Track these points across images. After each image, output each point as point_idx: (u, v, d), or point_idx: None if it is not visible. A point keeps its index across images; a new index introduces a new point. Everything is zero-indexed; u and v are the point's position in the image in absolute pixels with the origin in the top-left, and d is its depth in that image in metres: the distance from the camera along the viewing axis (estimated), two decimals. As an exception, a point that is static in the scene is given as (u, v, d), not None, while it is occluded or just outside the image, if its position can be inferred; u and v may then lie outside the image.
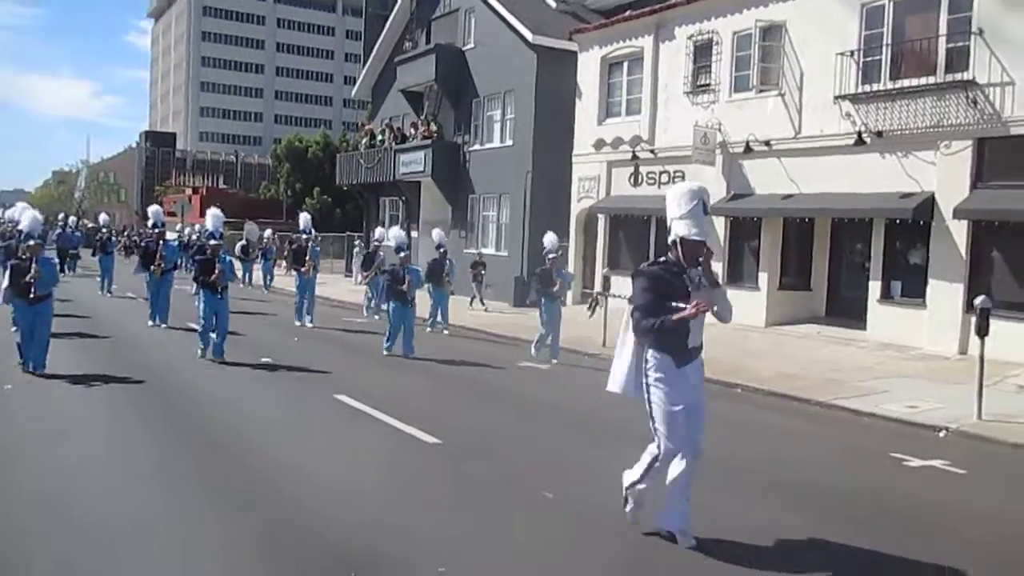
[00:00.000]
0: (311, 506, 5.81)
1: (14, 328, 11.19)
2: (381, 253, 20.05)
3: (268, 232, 32.14)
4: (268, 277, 28.66)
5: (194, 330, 13.25)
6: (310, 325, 17.51)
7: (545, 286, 13.79)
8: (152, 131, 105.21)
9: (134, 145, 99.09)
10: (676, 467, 5.07)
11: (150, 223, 18.54)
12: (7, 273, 11.14)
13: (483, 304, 22.12)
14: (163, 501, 5.82)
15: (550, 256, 14.07)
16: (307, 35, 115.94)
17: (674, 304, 4.91)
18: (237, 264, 21.63)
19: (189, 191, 69.04)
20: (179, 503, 5.80)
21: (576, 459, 7.56)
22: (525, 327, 16.67)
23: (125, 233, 53.39)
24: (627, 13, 22.11)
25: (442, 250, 17.69)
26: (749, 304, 17.89)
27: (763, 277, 17.87)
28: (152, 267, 16.39)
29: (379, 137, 31.59)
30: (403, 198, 30.74)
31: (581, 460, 7.50)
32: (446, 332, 17.22)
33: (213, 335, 12.42)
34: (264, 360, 12.45)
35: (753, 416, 10.25)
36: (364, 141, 33.24)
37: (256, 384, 10.93)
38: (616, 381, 5.26)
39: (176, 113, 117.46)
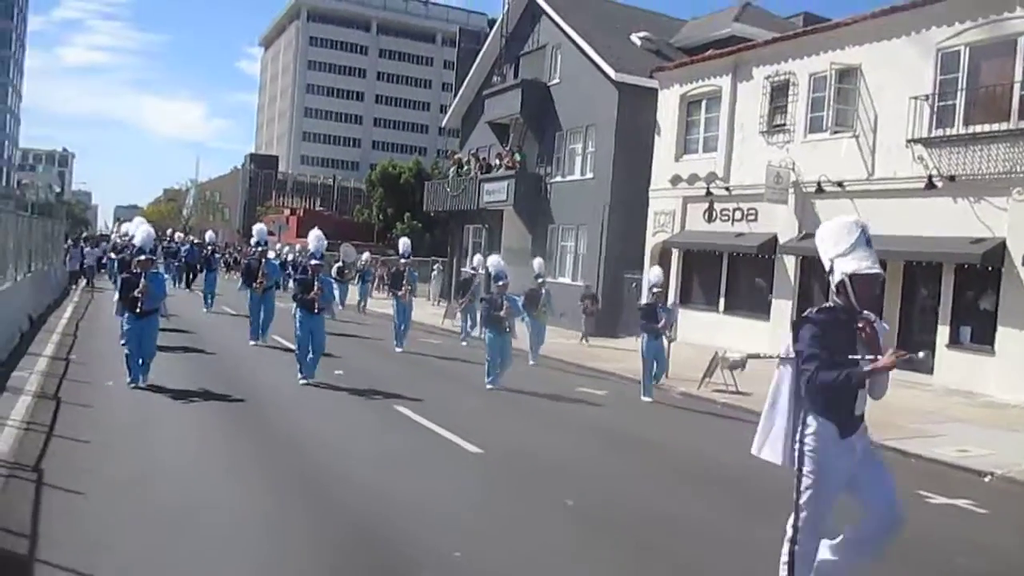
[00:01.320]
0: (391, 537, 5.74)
1: (123, 341, 11.19)
2: (478, 280, 19.88)
3: (366, 255, 32.65)
4: (364, 299, 28.84)
5: (293, 350, 13.04)
6: (399, 350, 17.36)
7: (649, 321, 13.32)
8: (256, 154, 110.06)
9: (239, 166, 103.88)
10: (840, 546, 4.52)
11: (253, 241, 18.83)
12: (118, 287, 11.40)
13: (587, 341, 21.22)
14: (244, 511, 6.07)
15: (654, 291, 13.68)
16: (406, 65, 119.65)
17: (856, 357, 4.28)
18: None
19: (287, 212, 71.96)
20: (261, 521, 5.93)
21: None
22: (620, 361, 16.59)
23: (227, 250, 56.17)
24: (708, 53, 22.53)
25: (540, 280, 17.49)
26: (817, 343, 17.97)
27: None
28: (254, 284, 16.44)
29: (465, 167, 32.67)
30: (486, 226, 31.65)
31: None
32: (534, 363, 16.66)
33: (310, 356, 12.26)
34: (359, 386, 12.13)
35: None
36: (452, 170, 34.39)
37: (348, 410, 10.64)
38: (766, 446, 4.63)
39: (280, 137, 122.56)
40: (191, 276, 31.50)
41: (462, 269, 33.72)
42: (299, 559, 5.22)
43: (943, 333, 15.73)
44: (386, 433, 9.41)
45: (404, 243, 19.61)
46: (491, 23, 38.99)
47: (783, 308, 18.88)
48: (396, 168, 61.17)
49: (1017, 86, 14.53)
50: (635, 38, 27.35)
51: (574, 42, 26.46)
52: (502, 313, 13.11)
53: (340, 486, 7.02)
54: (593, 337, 22.04)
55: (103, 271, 31.90)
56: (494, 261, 14.69)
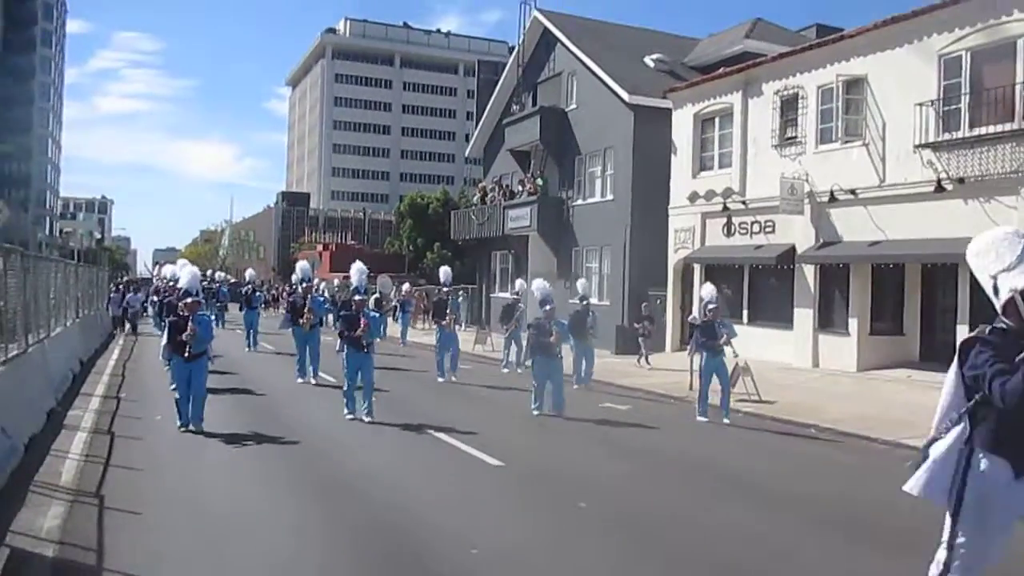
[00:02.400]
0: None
1: (173, 386, 10.98)
2: (522, 305, 19.21)
3: (406, 286, 32.23)
4: (405, 330, 28.14)
5: (341, 387, 12.52)
6: (441, 380, 17.04)
7: (708, 339, 12.89)
8: (288, 191, 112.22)
9: (272, 205, 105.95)
10: None
11: (296, 277, 18.56)
12: (166, 330, 11.15)
13: (648, 362, 20.27)
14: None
15: (710, 307, 13.18)
16: (430, 96, 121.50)
17: None
18: None
19: (320, 247, 73.27)
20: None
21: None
22: (679, 384, 16.16)
23: (264, 288, 57.30)
24: (720, 71, 23.05)
25: (585, 302, 17.10)
26: (840, 349, 18.31)
27: (853, 323, 18.17)
28: (300, 321, 16.10)
29: (490, 194, 33.39)
30: (512, 252, 32.27)
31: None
32: (578, 387, 16.05)
33: (359, 393, 11.91)
34: (410, 421, 11.76)
35: (808, 450, 10.92)
36: (476, 198, 35.12)
37: (404, 448, 10.27)
38: (926, 483, 4.15)
39: (310, 174, 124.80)
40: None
41: (491, 295, 34.39)
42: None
43: (962, 332, 15.90)
44: (441, 469, 9.13)
45: (445, 272, 19.22)
46: (511, 51, 39.87)
47: (805, 317, 19.19)
48: (424, 199, 62.19)
49: (1019, 87, 14.87)
50: (648, 60, 27.95)
51: (588, 68, 27.15)
52: (551, 339, 12.77)
53: (400, 524, 6.84)
54: (622, 355, 22.43)
55: (147, 315, 32.40)
56: (539, 285, 14.05)
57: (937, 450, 4.09)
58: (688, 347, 17.88)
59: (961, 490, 3.99)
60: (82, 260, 51.18)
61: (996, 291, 4.03)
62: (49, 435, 9.68)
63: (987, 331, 4.04)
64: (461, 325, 20.94)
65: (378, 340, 19.13)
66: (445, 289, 18.54)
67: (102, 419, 11.19)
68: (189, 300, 10.74)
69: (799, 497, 8.24)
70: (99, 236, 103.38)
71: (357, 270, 13.43)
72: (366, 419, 11.54)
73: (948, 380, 4.04)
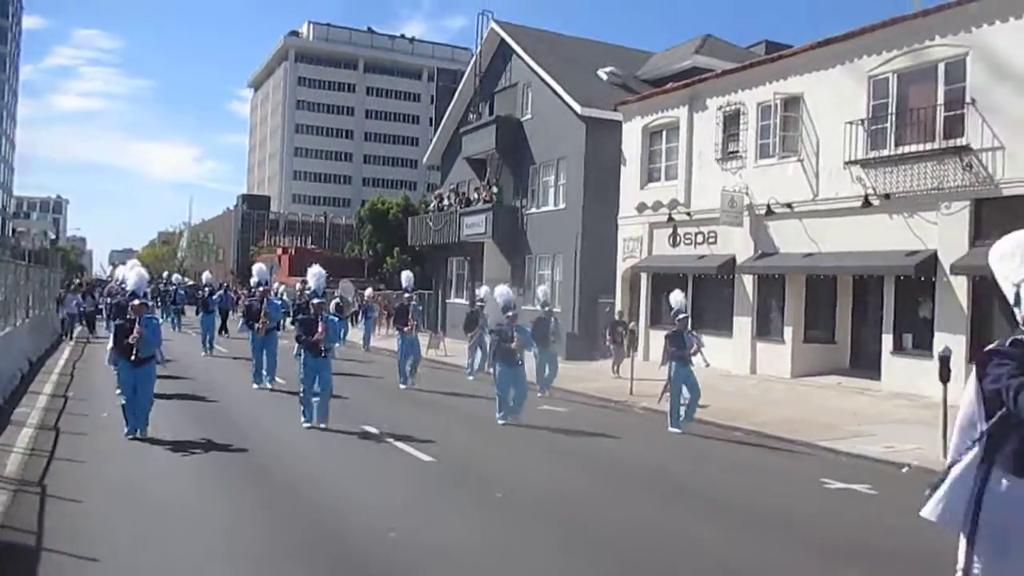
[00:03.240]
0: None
1: (118, 391, 10.63)
2: (485, 313, 18.41)
3: (369, 291, 32.27)
4: (368, 336, 28.13)
5: (298, 393, 12.25)
6: (403, 387, 16.96)
7: (678, 348, 12.74)
8: (249, 194, 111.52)
9: (231, 207, 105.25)
10: None
11: (254, 281, 18.23)
12: (112, 333, 10.93)
13: (617, 372, 19.73)
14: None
15: (680, 317, 13.04)
16: (394, 101, 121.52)
17: None
18: None
19: (279, 251, 73.05)
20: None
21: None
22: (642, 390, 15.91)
23: (223, 291, 56.93)
24: (667, 86, 23.80)
25: (547, 308, 16.94)
26: (775, 356, 19.06)
27: (788, 331, 18.94)
28: (256, 325, 15.85)
29: (446, 201, 33.87)
30: (468, 258, 32.76)
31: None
32: (542, 394, 16.16)
33: (315, 399, 11.66)
34: (367, 428, 11.60)
35: (732, 453, 11.52)
36: (433, 205, 35.57)
37: (360, 456, 10.14)
38: (943, 508, 3.70)
39: (271, 177, 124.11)
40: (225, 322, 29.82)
41: (447, 301, 34.83)
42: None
43: (887, 341, 16.77)
44: (396, 478, 8.97)
45: (407, 277, 19.17)
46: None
47: (744, 325, 19.93)
48: (384, 204, 62.42)
49: (940, 108, 15.73)
50: (602, 73, 28.64)
51: (543, 79, 27.78)
52: (513, 345, 12.68)
53: (348, 532, 6.81)
54: (574, 360, 22.95)
55: (99, 317, 31.83)
56: (502, 291, 13.87)
57: (954, 472, 3.66)
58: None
59: (976, 513, 3.61)
60: (35, 261, 50.56)
61: (1019, 300, 3.61)
62: (-5, 431, 9.95)
63: (1007, 343, 3.64)
64: (422, 331, 20.69)
65: (338, 345, 18.88)
66: (407, 295, 18.48)
67: (48, 416, 11.47)
68: (136, 302, 10.46)
69: (703, 494, 8.83)
70: (53, 236, 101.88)
71: (315, 274, 13.20)
72: (320, 425, 11.42)
73: (966, 396, 3.66)
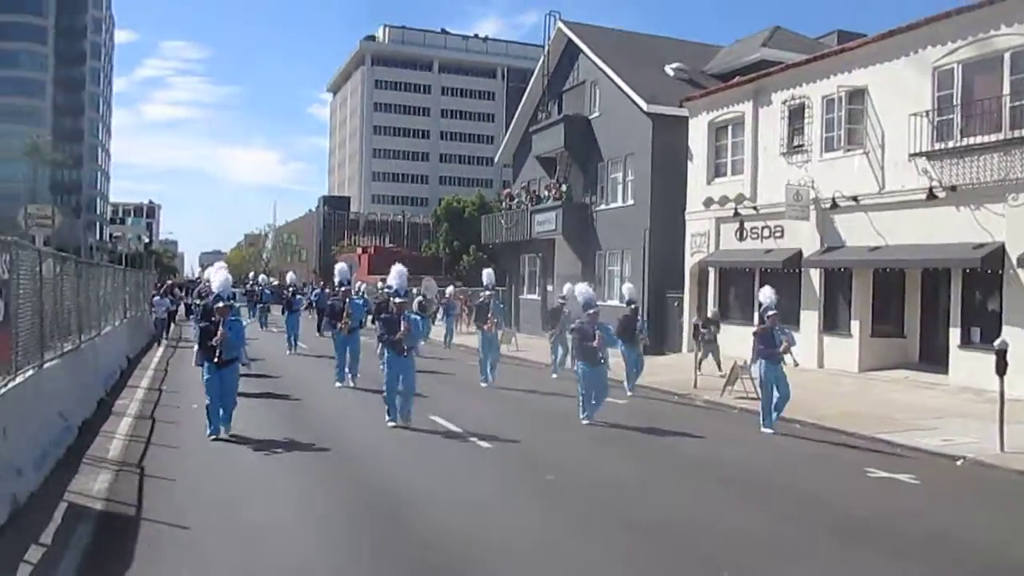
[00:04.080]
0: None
1: (206, 392, 10.60)
2: (567, 310, 18.56)
3: (450, 289, 32.71)
4: (449, 334, 28.12)
5: (381, 391, 12.20)
6: (484, 385, 16.76)
7: (767, 347, 12.25)
8: (329, 196, 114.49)
9: (313, 209, 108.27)
10: None
11: (336, 280, 18.16)
12: (197, 335, 11.12)
13: (720, 369, 18.22)
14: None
15: (769, 314, 12.51)
16: (469, 100, 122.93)
17: None
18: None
19: (359, 250, 74.91)
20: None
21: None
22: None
23: (306, 290, 58.84)
24: (732, 81, 23.86)
25: (633, 306, 16.58)
26: (842, 350, 19.05)
27: (855, 325, 18.89)
28: (339, 325, 15.90)
29: (516, 199, 34.51)
30: (539, 255, 33.32)
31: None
32: (631, 393, 15.89)
33: (398, 399, 11.59)
34: (450, 427, 11.59)
35: (787, 443, 11.73)
36: (504, 203, 36.26)
37: (444, 455, 10.02)
38: None
39: (351, 178, 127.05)
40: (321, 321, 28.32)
41: (520, 297, 35.47)
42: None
43: (955, 335, 16.63)
44: (480, 478, 8.88)
45: (488, 274, 18.78)
46: (540, 60, 40.97)
47: (810, 319, 19.94)
48: (460, 203, 63.52)
49: (1006, 99, 15.52)
50: (668, 69, 28.79)
51: (609, 77, 28.11)
52: (595, 343, 12.37)
53: (431, 535, 6.71)
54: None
55: (190, 317, 32.70)
56: (583, 289, 13.63)
57: None
58: (696, 347, 18.60)
59: None
60: (130, 264, 53.15)
61: None
62: (99, 419, 11.04)
63: None
64: (503, 329, 20.03)
65: (422, 344, 18.62)
66: (487, 292, 18.22)
67: (145, 407, 12.53)
68: (220, 305, 10.58)
69: (749, 480, 9.19)
70: (147, 240, 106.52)
71: (397, 272, 13.00)
72: (403, 424, 11.38)
73: None
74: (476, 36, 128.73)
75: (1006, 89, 15.52)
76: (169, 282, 46.73)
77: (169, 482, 7.85)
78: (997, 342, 11.06)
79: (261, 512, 7.19)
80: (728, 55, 30.15)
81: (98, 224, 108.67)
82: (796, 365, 13.16)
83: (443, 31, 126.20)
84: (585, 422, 12.44)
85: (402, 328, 11.42)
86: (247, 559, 6.02)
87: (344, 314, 15.89)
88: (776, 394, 12.32)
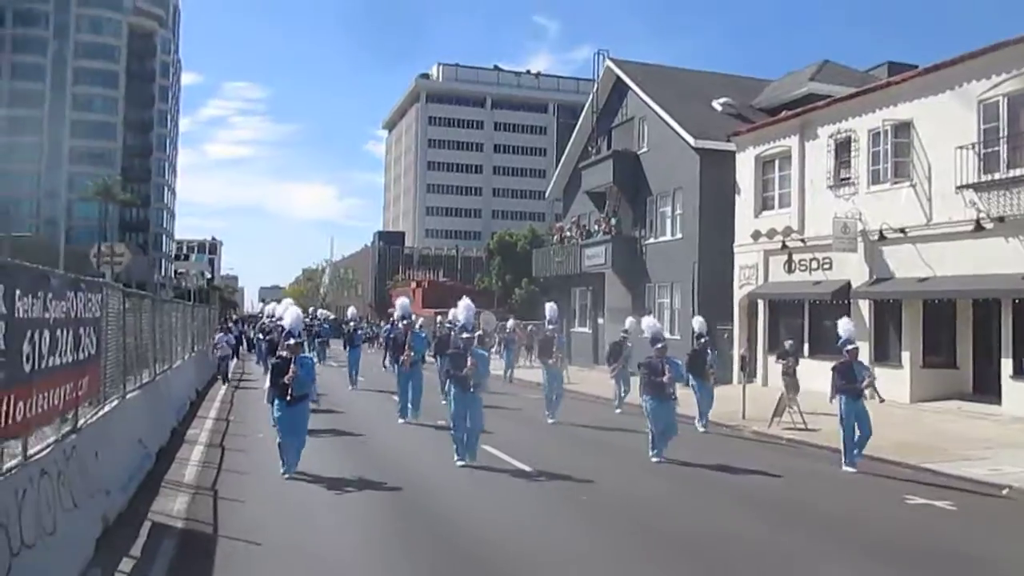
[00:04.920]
0: None
1: (275, 426, 10.58)
2: (629, 343, 18.58)
3: (511, 322, 32.71)
4: (510, 368, 27.62)
5: (446, 428, 12.08)
6: (551, 421, 16.33)
7: (847, 381, 11.92)
8: (384, 231, 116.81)
9: (369, 244, 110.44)
10: None
11: (397, 315, 18.05)
12: (269, 373, 11.09)
13: (792, 407, 16.55)
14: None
15: (849, 347, 12.24)
16: (521, 135, 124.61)
17: None
18: None
19: (413, 284, 76.17)
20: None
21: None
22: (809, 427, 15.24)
23: (364, 325, 59.92)
24: (779, 116, 24.18)
25: (704, 339, 16.27)
26: (893, 381, 18.96)
27: (906, 356, 18.91)
28: (402, 359, 15.68)
29: (567, 233, 35.10)
30: (590, 288, 33.78)
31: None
32: (704, 429, 15.53)
33: (465, 437, 11.29)
34: (519, 465, 11.26)
35: (826, 469, 11.91)
36: (555, 237, 36.88)
37: (514, 498, 9.65)
38: None
39: (406, 212, 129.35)
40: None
41: (571, 330, 35.83)
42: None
43: (1007, 365, 16.59)
44: (557, 519, 8.58)
45: (551, 309, 18.39)
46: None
47: (862, 350, 19.92)
48: (512, 236, 64.47)
49: (1052, 131, 15.64)
50: (716, 104, 29.24)
51: (657, 114, 28.67)
52: (664, 379, 12.04)
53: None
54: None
55: (252, 352, 32.74)
56: (650, 323, 13.45)
57: None
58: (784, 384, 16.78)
59: None
60: (195, 299, 54.82)
61: None
62: (173, 447, 11.80)
63: None
64: (566, 364, 19.50)
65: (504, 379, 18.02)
66: (551, 326, 17.76)
67: (215, 436, 13.29)
68: (292, 342, 10.57)
69: (793, 506, 9.48)
70: (209, 276, 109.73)
71: (464, 306, 12.78)
72: (469, 462, 11.09)
73: None
74: (528, 72, 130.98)
75: (1051, 121, 15.63)
76: (232, 318, 47.85)
77: (240, 503, 8.49)
78: (1041, 373, 11.17)
79: (330, 532, 7.73)
80: (776, 89, 30.47)
81: (163, 261, 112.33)
82: (881, 401, 12.86)
83: (496, 68, 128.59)
84: (655, 460, 11.99)
85: (468, 364, 11.10)
86: (315, 573, 6.57)
87: (407, 348, 15.66)
88: (857, 432, 11.84)
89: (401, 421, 15.51)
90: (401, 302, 18.23)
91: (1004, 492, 10.51)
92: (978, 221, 16.76)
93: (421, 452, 12.68)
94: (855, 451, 11.94)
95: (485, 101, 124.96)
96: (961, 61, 17.61)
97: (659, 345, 12.43)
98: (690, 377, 15.33)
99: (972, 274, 17.05)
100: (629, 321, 19.90)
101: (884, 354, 19.65)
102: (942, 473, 11.59)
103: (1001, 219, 16.46)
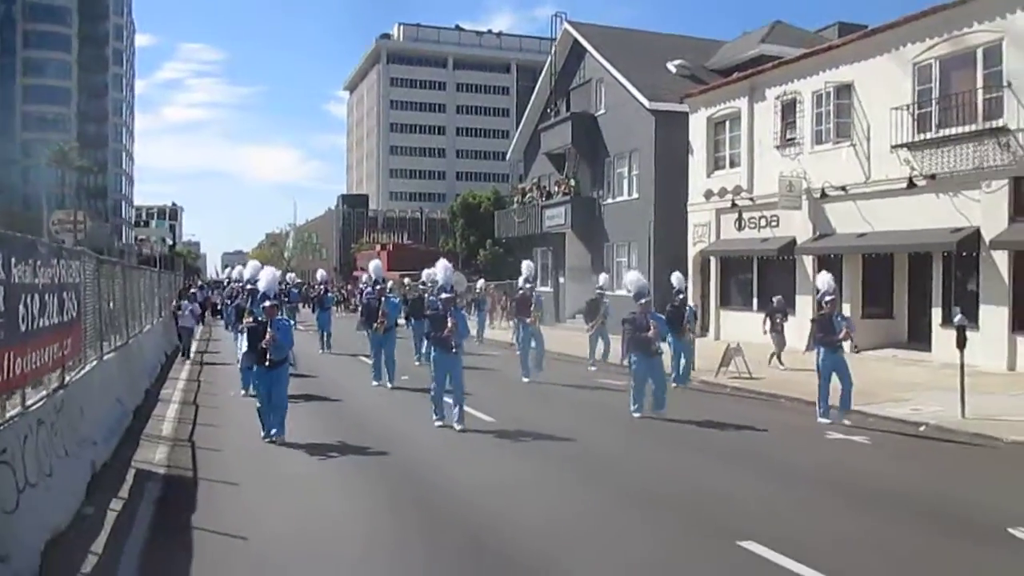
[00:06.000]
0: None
1: (254, 394, 10.62)
2: (606, 301, 18.66)
3: (481, 282, 32.63)
4: (482, 329, 27.33)
5: (422, 390, 12.11)
6: (526, 380, 16.21)
7: (826, 334, 11.91)
8: (348, 194, 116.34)
9: (333, 207, 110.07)
10: None
11: (369, 278, 17.74)
12: (244, 337, 10.88)
13: (781, 363, 17.64)
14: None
15: (827, 299, 12.19)
16: (484, 96, 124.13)
17: None
18: None
19: (378, 247, 76.36)
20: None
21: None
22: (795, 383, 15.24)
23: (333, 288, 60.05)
24: (730, 78, 24.92)
25: (681, 296, 16.32)
26: (835, 332, 20.06)
27: (846, 308, 19.86)
28: (375, 324, 15.41)
29: (528, 195, 35.75)
30: (551, 248, 34.55)
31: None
32: (678, 386, 15.21)
33: (448, 400, 11.05)
34: (500, 426, 11.02)
35: (761, 414, 12.82)
36: (516, 199, 37.51)
37: (501, 459, 9.42)
38: None
39: (369, 175, 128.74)
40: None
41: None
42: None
43: (936, 314, 17.68)
44: (543, 479, 8.49)
45: (528, 266, 18.26)
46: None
47: (805, 303, 20.94)
48: (475, 198, 64.88)
49: (979, 91, 16.54)
50: (671, 66, 29.89)
51: (613, 76, 29.25)
52: (650, 334, 11.87)
53: (505, 550, 6.23)
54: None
55: (218, 317, 31.70)
56: (634, 278, 13.19)
57: None
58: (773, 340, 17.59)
59: None
60: (160, 265, 54.70)
61: None
62: (149, 405, 12.43)
63: None
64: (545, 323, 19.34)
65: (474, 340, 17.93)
66: (528, 285, 17.63)
67: (188, 395, 13.92)
68: (267, 304, 10.34)
69: (727, 448, 10.40)
70: (171, 242, 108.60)
71: (443, 267, 12.61)
72: (457, 427, 10.73)
73: None
74: (490, 31, 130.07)
75: (979, 83, 16.54)
76: (198, 283, 47.61)
77: (217, 452, 9.20)
78: (956, 319, 12.18)
79: (310, 478, 8.39)
80: (729, 50, 31.18)
81: (123, 227, 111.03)
82: (857, 351, 13.30)
83: (457, 27, 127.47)
84: (636, 415, 12.02)
85: (449, 325, 10.90)
86: (290, 507, 7.27)
87: (380, 313, 15.43)
88: (838, 383, 11.88)
89: (375, 384, 15.37)
90: (374, 265, 17.91)
91: (921, 429, 11.52)
92: (911, 179, 17.72)
93: (399, 414, 12.57)
94: (841, 403, 11.92)
95: (447, 61, 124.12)
96: (898, 25, 18.44)
97: (643, 300, 12.22)
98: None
99: (906, 229, 18.04)
100: (603, 278, 20.04)
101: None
102: (868, 414, 12.52)
103: (932, 176, 17.42)
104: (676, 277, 16.95)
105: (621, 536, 6.52)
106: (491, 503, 7.51)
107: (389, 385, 15.18)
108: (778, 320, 18.39)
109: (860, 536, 6.51)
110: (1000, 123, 15.98)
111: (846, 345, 12.36)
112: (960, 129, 16.82)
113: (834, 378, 11.91)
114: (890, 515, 7.10)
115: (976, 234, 16.50)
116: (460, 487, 8.07)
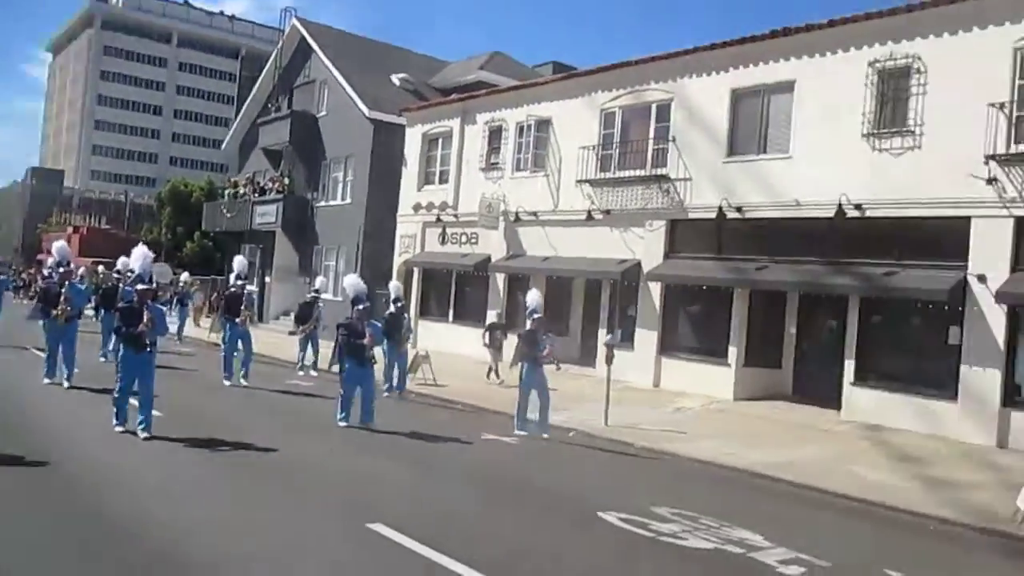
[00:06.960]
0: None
1: (119, 376, 9.95)
2: (321, 304, 18.44)
3: (186, 275, 30.20)
4: (182, 326, 25.46)
5: (104, 391, 11.25)
6: (244, 383, 15.52)
7: (531, 349, 12.22)
8: (41, 167, 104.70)
9: (20, 179, 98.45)
10: None
11: (52, 261, 15.69)
12: (117, 321, 10.18)
13: (498, 377, 17.91)
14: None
15: (535, 316, 12.67)
16: (208, 79, 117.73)
17: None
18: None
19: (70, 229, 69.56)
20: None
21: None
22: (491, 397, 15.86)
23: (12, 271, 53.82)
24: (445, 98, 26.08)
25: (400, 304, 16.06)
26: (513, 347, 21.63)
27: (528, 324, 21.52)
28: (55, 312, 13.56)
29: (241, 189, 34.62)
30: (259, 246, 33.68)
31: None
32: (389, 395, 15.42)
33: (134, 402, 10.06)
34: (196, 435, 10.14)
35: (425, 412, 13.68)
36: (228, 192, 36.17)
37: (190, 469, 8.72)
38: None
39: (68, 149, 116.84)
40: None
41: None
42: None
43: (602, 335, 19.70)
44: (236, 488, 8.09)
45: (240, 261, 17.40)
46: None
47: (492, 317, 22.43)
48: (188, 186, 61.32)
49: (651, 141, 18.81)
50: (395, 78, 30.57)
51: (337, 80, 29.35)
52: (365, 341, 11.71)
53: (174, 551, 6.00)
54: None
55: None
56: (352, 282, 12.98)
57: None
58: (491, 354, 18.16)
59: None
60: None
61: None
62: None
63: None
64: (254, 323, 18.92)
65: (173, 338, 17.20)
66: (240, 282, 16.49)
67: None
68: (141, 287, 10.05)
69: (391, 445, 10.97)
70: None
71: (140, 254, 11.49)
72: (142, 435, 9.73)
73: None
74: (222, 13, 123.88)
75: (651, 134, 18.81)
76: None
77: None
78: (607, 339, 13.77)
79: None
80: (452, 71, 32.55)
81: None
82: (557, 368, 14.31)
83: (186, 3, 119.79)
84: (342, 424, 11.79)
85: (145, 319, 9.89)
86: None
87: (62, 300, 13.63)
88: (538, 400, 12.27)
89: (46, 381, 13.63)
90: (59, 246, 15.73)
91: (571, 435, 12.88)
92: (590, 212, 19.68)
93: (71, 418, 11.23)
94: (540, 417, 12.30)
95: (171, 37, 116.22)
96: (593, 73, 20.47)
97: (361, 306, 12.04)
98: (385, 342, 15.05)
99: (584, 256, 19.96)
100: (320, 280, 19.91)
101: (512, 323, 22.08)
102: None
103: (608, 212, 19.49)
104: (394, 285, 17.13)
105: (269, 527, 6.77)
106: (161, 510, 7.02)
107: (66, 384, 13.40)
108: (497, 335, 19.00)
109: (472, 516, 7.44)
110: (664, 171, 18.29)
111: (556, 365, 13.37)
112: (633, 172, 19.01)
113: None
114: (511, 502, 8.12)
115: (637, 266, 18.69)
116: (135, 497, 7.36)
